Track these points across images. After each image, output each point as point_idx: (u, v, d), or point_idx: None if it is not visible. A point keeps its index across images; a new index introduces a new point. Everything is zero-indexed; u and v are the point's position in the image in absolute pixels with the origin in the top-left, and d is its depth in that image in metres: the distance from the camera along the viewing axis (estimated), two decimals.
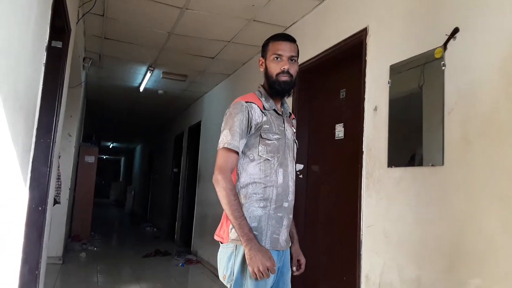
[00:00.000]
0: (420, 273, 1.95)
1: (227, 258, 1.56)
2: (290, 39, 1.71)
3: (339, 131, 2.98)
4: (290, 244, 1.74)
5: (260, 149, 1.61)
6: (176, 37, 3.91)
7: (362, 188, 2.45)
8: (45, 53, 1.92)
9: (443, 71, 1.92)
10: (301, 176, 3.31)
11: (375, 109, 2.40)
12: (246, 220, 1.51)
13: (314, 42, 3.14)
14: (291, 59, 1.68)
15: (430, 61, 2.00)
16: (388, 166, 2.24)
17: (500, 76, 1.66)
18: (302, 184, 3.30)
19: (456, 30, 1.88)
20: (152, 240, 7.87)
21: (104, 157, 23.44)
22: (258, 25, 3.53)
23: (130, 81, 5.75)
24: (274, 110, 1.70)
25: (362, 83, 2.53)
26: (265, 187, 1.59)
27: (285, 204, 1.64)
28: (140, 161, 15.32)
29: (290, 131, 1.73)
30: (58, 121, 2.69)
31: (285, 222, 1.64)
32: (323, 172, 3.17)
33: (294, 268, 1.75)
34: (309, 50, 3.18)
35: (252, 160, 1.61)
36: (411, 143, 2.12)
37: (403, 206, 2.11)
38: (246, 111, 1.59)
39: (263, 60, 1.73)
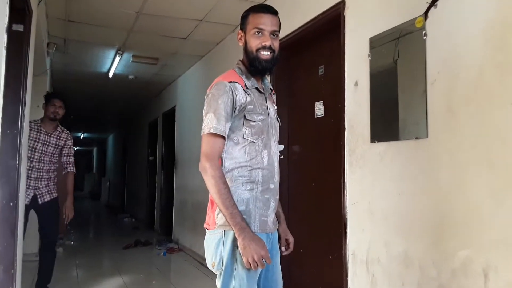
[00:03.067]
0: (407, 247, 1.94)
1: (215, 245, 1.49)
2: (272, 11, 1.57)
3: (319, 109, 2.93)
4: (278, 225, 1.68)
5: (244, 132, 1.52)
6: (145, 17, 3.73)
7: (345, 166, 2.41)
8: (6, 36, 1.74)
9: (424, 40, 1.88)
10: (282, 157, 3.25)
11: (356, 84, 2.35)
12: (238, 208, 1.42)
13: (291, 17, 3.04)
14: (273, 33, 1.55)
15: (411, 32, 1.95)
16: (371, 142, 2.20)
17: (485, 41, 1.63)
18: (284, 165, 3.24)
19: None
20: (131, 231, 7.72)
21: (76, 149, 22.78)
22: (232, 0, 3.39)
23: (98, 66, 5.51)
24: (256, 88, 1.59)
25: (341, 58, 2.46)
26: (251, 169, 1.52)
27: (271, 186, 1.58)
28: (114, 151, 14.97)
29: (272, 109, 1.66)
30: (24, 110, 2.51)
31: (272, 204, 1.58)
32: (305, 152, 3.12)
33: (283, 248, 1.70)
34: (286, 25, 3.07)
35: (237, 144, 1.52)
36: (394, 117, 2.08)
37: (387, 181, 2.09)
38: (230, 92, 1.49)
39: (242, 34, 1.60)
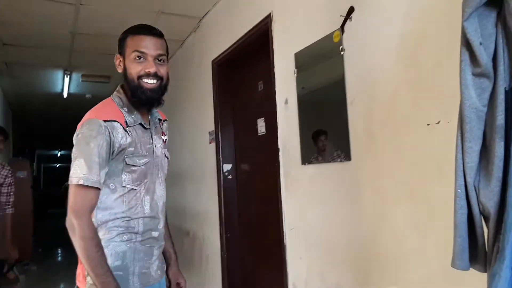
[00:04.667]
0: (340, 280, 1.79)
1: None
2: (156, 33, 1.34)
3: (261, 126, 2.77)
4: (165, 269, 1.49)
5: (124, 178, 1.29)
6: (80, 37, 3.55)
7: (281, 188, 2.25)
8: None
9: (342, 56, 1.73)
10: (230, 176, 3.09)
11: (286, 102, 2.20)
12: (112, 275, 1.20)
13: (228, 33, 2.89)
14: (159, 58, 1.33)
15: (331, 47, 1.81)
16: (302, 164, 2.05)
17: (398, 58, 1.48)
18: (232, 185, 3.08)
19: (351, 10, 1.69)
20: None
21: (57, 165, 22.35)
22: (168, 17, 3.23)
23: (50, 87, 5.29)
24: (140, 124, 1.36)
25: (271, 74, 2.31)
26: (129, 220, 1.30)
27: (155, 234, 1.37)
28: None
29: (159, 145, 1.43)
30: None
31: (155, 252, 1.39)
32: (251, 171, 2.96)
33: None
34: (224, 41, 2.93)
35: (114, 191, 1.28)
36: (320, 138, 1.93)
37: (318, 206, 1.94)
38: (106, 133, 1.23)
39: (121, 59, 1.35)
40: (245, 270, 2.97)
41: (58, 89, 5.37)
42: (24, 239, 6.38)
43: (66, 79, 4.73)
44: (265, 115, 2.71)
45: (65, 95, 5.44)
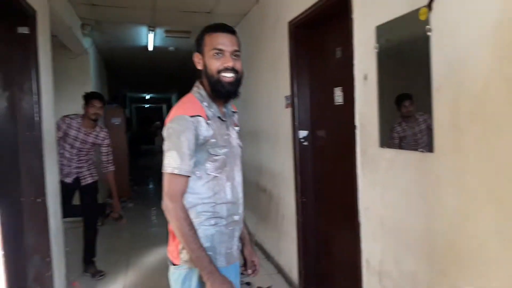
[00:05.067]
0: (417, 269, 1.75)
1: (181, 282, 1.48)
2: (230, 30, 1.45)
3: (338, 95, 2.66)
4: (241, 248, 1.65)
5: (207, 167, 1.44)
6: None
7: (357, 166, 2.20)
8: None
9: (428, 37, 1.56)
10: (306, 143, 3.08)
11: (365, 78, 2.07)
12: (204, 250, 1.37)
13: None
14: (234, 54, 1.44)
15: (416, 24, 1.63)
16: (380, 146, 1.97)
17: (494, 47, 1.30)
18: (308, 152, 3.08)
19: None
20: None
21: (147, 106, 23.99)
22: None
23: (137, 41, 5.55)
24: (218, 117, 1.49)
25: (350, 46, 2.17)
26: (214, 205, 1.47)
27: (236, 218, 1.54)
28: None
29: (234, 136, 1.56)
30: (40, 110, 2.58)
31: (236, 234, 1.56)
32: (327, 140, 2.91)
33: (250, 271, 1.68)
34: (302, 2, 2.78)
35: (200, 178, 1.44)
36: (402, 122, 1.81)
37: (397, 192, 1.87)
38: (193, 127, 1.38)
39: (200, 57, 1.47)
40: (319, 236, 3.04)
41: (144, 43, 5.62)
42: (121, 179, 7.16)
43: (150, 35, 4.91)
44: (343, 85, 2.60)
45: (150, 48, 5.69)
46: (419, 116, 1.67)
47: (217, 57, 1.42)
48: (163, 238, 4.72)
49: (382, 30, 1.87)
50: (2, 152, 2.31)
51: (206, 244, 1.44)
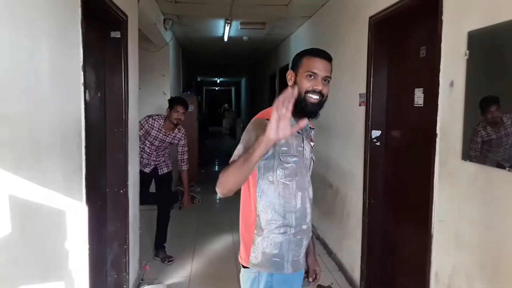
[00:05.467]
0: None
1: (250, 283, 1.57)
2: (327, 57, 1.54)
3: (419, 97, 2.55)
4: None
5: (278, 173, 1.52)
6: None
7: (435, 176, 2.11)
8: (81, 73, 1.93)
9: None
10: (378, 143, 3.00)
11: (451, 84, 1.96)
12: (257, 141, 1.28)
13: None
14: (325, 79, 1.52)
15: None
16: (463, 159, 1.87)
17: None
18: (380, 153, 3.00)
19: None
20: None
21: (217, 89, 24.65)
22: None
23: (214, 33, 5.72)
24: None
25: (437, 49, 2.06)
26: (284, 213, 1.54)
27: (304, 227, 1.59)
28: (245, 94, 15.72)
29: (308, 149, 1.62)
30: (127, 111, 2.80)
31: (304, 243, 1.62)
32: (403, 142, 2.81)
33: (311, 279, 1.76)
34: None
35: (271, 183, 1.52)
36: (490, 137, 1.70)
37: (478, 209, 1.78)
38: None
39: (293, 74, 1.56)
40: (385, 239, 2.98)
41: (220, 34, 5.78)
42: (191, 165, 7.49)
43: (227, 27, 5.03)
44: (425, 86, 2.48)
45: (225, 39, 5.84)
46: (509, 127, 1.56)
47: (309, 79, 1.50)
48: (227, 224, 4.94)
49: (476, 37, 1.75)
50: (93, 147, 2.54)
51: (274, 251, 1.53)
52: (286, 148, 1.51)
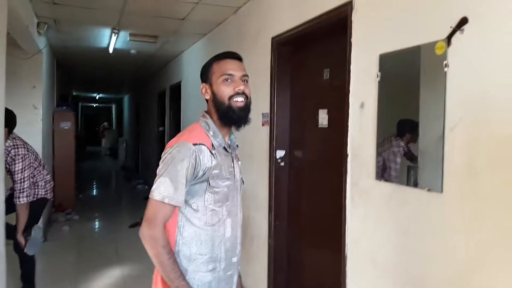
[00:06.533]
0: None
1: None
2: (237, 57, 1.46)
3: (323, 118, 2.58)
4: None
5: (206, 198, 1.35)
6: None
7: (347, 197, 2.10)
8: None
9: (445, 73, 1.50)
10: (282, 163, 2.96)
11: (362, 106, 1.99)
12: (185, 279, 1.29)
13: (295, 10, 2.63)
14: (243, 79, 1.41)
15: (430, 58, 1.56)
16: (377, 179, 1.88)
17: None
18: (285, 173, 2.96)
19: (464, 21, 1.43)
20: (142, 201, 7.65)
21: (95, 105, 22.92)
22: None
23: (97, 43, 5.18)
24: (224, 148, 1.42)
25: (346, 71, 2.08)
26: (212, 244, 1.36)
27: (234, 259, 1.44)
28: (129, 112, 14.84)
29: (238, 169, 1.49)
30: None
31: (235, 279, 1.47)
32: (308, 163, 2.80)
33: None
34: (289, 19, 2.67)
35: (196, 211, 1.35)
36: (404, 157, 1.74)
37: (393, 230, 1.79)
38: (193, 157, 1.30)
39: (208, 86, 1.44)
40: (293, 264, 2.92)
41: (105, 44, 5.26)
42: (67, 189, 6.65)
43: (114, 37, 4.60)
44: (329, 107, 2.52)
45: (110, 50, 5.34)
46: (427, 150, 1.60)
47: (227, 83, 1.38)
48: (113, 255, 4.43)
49: (387, 59, 1.80)
50: None
51: None
52: (218, 171, 1.35)
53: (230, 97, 1.37)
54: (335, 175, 2.28)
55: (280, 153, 2.96)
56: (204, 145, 1.33)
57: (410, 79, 1.67)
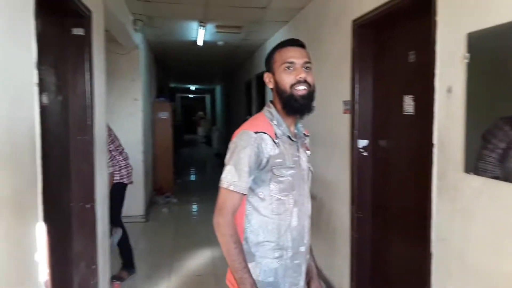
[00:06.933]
0: None
1: None
2: (300, 44, 1.42)
3: (408, 104, 2.39)
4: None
5: (272, 188, 1.36)
6: None
7: (432, 191, 1.94)
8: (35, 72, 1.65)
9: None
10: (365, 153, 2.83)
11: (449, 90, 1.80)
12: (249, 272, 1.31)
13: None
14: (305, 66, 1.39)
15: None
16: (466, 171, 1.70)
17: None
18: (367, 163, 2.83)
19: None
20: None
21: (191, 96, 24.28)
22: None
23: (187, 36, 5.46)
24: (288, 136, 1.40)
25: (431, 52, 1.90)
26: (279, 232, 1.37)
27: (302, 249, 1.43)
28: (221, 102, 15.45)
29: (305, 158, 1.48)
30: (93, 114, 2.51)
31: (303, 268, 1.46)
32: (393, 152, 2.64)
33: None
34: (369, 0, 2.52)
35: (263, 200, 1.37)
36: (497, 148, 1.54)
37: (485, 228, 1.60)
38: (255, 145, 1.32)
39: (271, 75, 1.43)
40: (377, 257, 2.80)
41: (193, 38, 5.53)
42: (166, 174, 7.20)
43: (201, 31, 4.80)
44: (415, 93, 2.33)
45: (199, 43, 5.59)
46: None
47: (289, 71, 1.37)
48: (205, 237, 4.69)
49: (477, 39, 1.59)
50: (54, 156, 2.24)
51: (269, 278, 1.36)
52: (281, 160, 1.35)
53: (292, 86, 1.35)
54: (421, 166, 2.11)
55: (362, 143, 2.83)
56: (266, 133, 1.34)
57: (504, 61, 1.46)
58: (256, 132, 1.33)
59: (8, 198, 1.39)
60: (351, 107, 2.87)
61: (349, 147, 2.91)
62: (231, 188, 1.31)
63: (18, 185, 1.48)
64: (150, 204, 6.23)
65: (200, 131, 21.71)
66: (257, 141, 1.32)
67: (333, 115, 3.22)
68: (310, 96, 1.37)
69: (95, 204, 2.56)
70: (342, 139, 3.04)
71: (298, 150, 1.43)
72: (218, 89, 16.53)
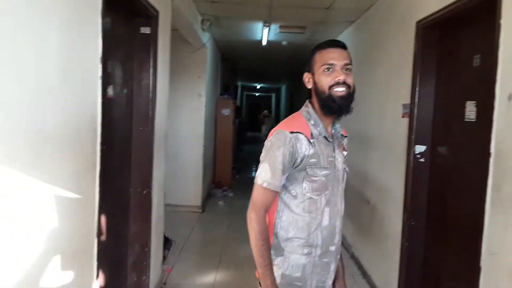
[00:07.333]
0: None
1: None
2: (340, 45, 1.41)
3: (470, 110, 2.28)
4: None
5: (304, 186, 1.38)
6: None
7: (486, 202, 1.84)
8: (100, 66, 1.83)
9: None
10: (422, 160, 2.73)
11: (510, 98, 1.70)
12: (271, 270, 1.35)
13: None
14: (345, 68, 1.37)
15: None
16: None
17: None
18: (424, 170, 2.72)
19: None
20: None
21: (257, 94, 24.62)
22: None
23: (252, 36, 5.59)
24: (324, 137, 1.41)
25: (494, 57, 1.80)
26: (309, 230, 1.38)
27: (332, 248, 1.43)
28: (285, 101, 15.53)
29: (341, 159, 1.47)
30: (154, 106, 2.70)
31: (332, 267, 1.46)
32: (450, 160, 2.52)
33: None
34: (435, 0, 2.43)
35: (295, 197, 1.39)
36: None
37: None
38: (290, 144, 1.35)
39: (310, 76, 1.44)
40: (426, 266, 2.70)
41: (258, 38, 5.65)
42: (226, 169, 7.43)
43: (265, 31, 4.89)
44: (478, 99, 2.21)
45: (264, 43, 5.70)
46: None
47: (328, 73, 1.37)
48: None
49: None
50: (117, 144, 2.45)
51: (296, 274, 1.39)
52: (315, 160, 1.36)
53: (330, 87, 1.35)
54: (478, 176, 2.01)
55: (420, 148, 2.73)
56: (302, 133, 1.36)
57: None
58: (291, 132, 1.35)
59: (67, 179, 1.57)
60: (410, 111, 2.78)
61: (405, 152, 2.82)
62: (265, 185, 1.34)
63: (79, 168, 1.66)
64: (208, 196, 6.46)
65: (264, 129, 21.93)
66: (292, 141, 1.34)
67: (391, 119, 3.14)
68: (349, 97, 1.36)
69: (152, 191, 2.75)
70: (398, 143, 2.96)
71: (334, 150, 1.43)
72: (283, 88, 16.61)
